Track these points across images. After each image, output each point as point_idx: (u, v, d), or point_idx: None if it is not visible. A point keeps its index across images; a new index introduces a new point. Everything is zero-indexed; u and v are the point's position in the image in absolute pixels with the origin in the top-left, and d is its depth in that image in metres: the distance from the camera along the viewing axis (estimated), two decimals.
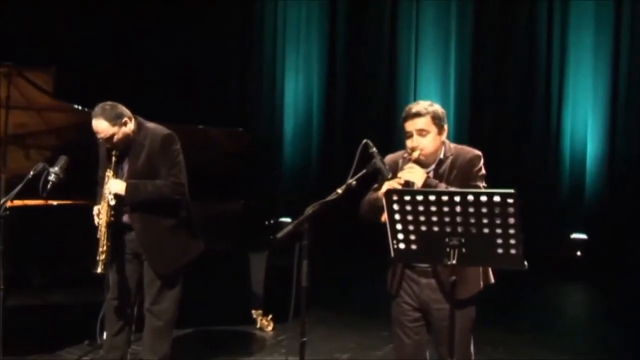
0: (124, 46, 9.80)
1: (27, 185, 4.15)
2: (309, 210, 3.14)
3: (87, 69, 9.26)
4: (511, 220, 2.77)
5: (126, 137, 4.12)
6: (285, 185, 10.39)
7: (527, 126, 9.32)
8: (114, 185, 4.07)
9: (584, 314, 7.59)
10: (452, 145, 3.42)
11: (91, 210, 4.22)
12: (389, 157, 3.48)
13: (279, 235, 3.18)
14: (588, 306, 7.91)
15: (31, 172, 4.14)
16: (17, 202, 4.77)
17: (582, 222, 9.03)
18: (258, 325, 5.80)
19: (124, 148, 4.15)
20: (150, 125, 4.24)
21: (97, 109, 4.08)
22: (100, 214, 4.11)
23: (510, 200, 2.75)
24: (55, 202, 5.12)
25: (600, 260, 8.57)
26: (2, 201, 4.12)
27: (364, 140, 3.26)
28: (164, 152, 4.14)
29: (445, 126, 3.37)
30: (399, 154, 3.48)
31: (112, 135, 4.07)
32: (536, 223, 8.19)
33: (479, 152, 3.38)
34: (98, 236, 4.09)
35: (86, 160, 4.38)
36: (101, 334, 4.95)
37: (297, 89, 10.49)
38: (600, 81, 8.94)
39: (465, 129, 9.47)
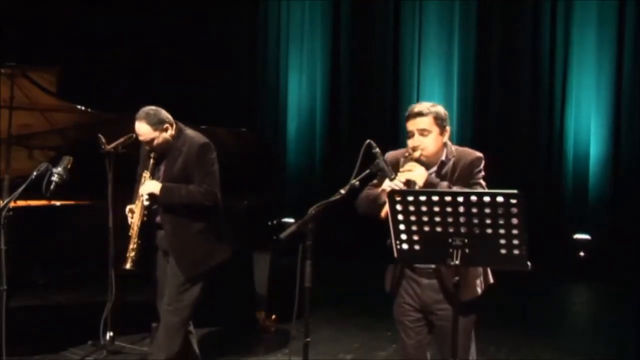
0: (127, 45, 9.81)
1: (30, 186, 4.16)
2: (312, 210, 3.14)
3: (91, 67, 9.27)
4: (514, 221, 2.76)
5: (166, 142, 4.23)
6: (288, 185, 10.37)
7: (531, 126, 9.30)
8: (150, 186, 4.18)
9: (586, 314, 7.57)
10: (454, 147, 3.42)
11: (95, 209, 4.25)
12: (390, 155, 3.48)
13: (283, 235, 3.18)
14: (591, 307, 7.89)
15: (34, 173, 4.15)
16: (21, 202, 4.77)
17: (585, 222, 9.02)
18: (261, 326, 5.80)
19: (163, 151, 4.26)
20: (189, 132, 4.34)
21: (141, 112, 4.20)
22: (134, 212, 4.24)
23: (513, 201, 2.74)
24: (58, 203, 5.12)
25: (603, 260, 8.56)
26: (5, 201, 4.12)
27: (367, 141, 3.25)
28: (200, 160, 4.23)
29: (448, 128, 3.37)
30: (400, 152, 3.47)
31: (152, 139, 4.19)
32: (539, 223, 8.17)
33: (480, 154, 3.38)
34: (130, 233, 4.23)
35: (90, 161, 4.40)
36: (105, 334, 4.96)
37: (301, 89, 10.47)
38: (604, 80, 8.92)
39: (468, 128, 9.46)
